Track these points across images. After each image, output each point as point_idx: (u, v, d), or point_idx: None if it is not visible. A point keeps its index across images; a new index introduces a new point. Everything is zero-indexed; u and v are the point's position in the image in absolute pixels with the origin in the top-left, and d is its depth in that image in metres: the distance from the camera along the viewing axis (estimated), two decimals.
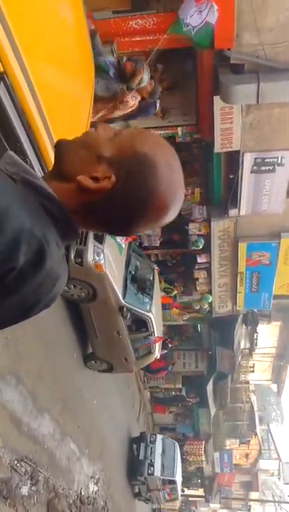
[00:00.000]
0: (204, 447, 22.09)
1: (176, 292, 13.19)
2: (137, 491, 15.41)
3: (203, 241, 11.46)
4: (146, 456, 14.73)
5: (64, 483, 7.24)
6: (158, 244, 12.01)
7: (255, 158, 9.34)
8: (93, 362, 9.59)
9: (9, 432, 5.36)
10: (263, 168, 9.47)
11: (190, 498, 29.92)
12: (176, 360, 17.25)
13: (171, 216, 1.08)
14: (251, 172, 9.53)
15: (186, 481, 24.29)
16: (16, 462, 5.41)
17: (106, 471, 10.31)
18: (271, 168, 9.47)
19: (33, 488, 5.87)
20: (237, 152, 9.21)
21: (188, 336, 19.13)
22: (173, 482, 15.92)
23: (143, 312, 9.00)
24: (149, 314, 9.19)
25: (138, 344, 9.57)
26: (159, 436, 16.21)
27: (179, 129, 9.63)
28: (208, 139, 9.26)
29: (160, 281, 12.80)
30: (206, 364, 18.94)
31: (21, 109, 2.90)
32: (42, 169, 3.15)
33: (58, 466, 7.00)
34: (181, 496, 23.50)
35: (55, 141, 1.15)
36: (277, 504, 33.02)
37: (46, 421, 6.53)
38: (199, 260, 12.15)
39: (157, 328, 9.71)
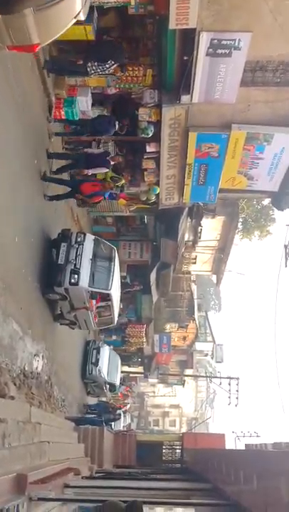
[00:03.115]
0: (145, 330, 23.60)
1: (123, 182, 12.97)
2: (59, 311, 11.55)
3: (153, 129, 11.06)
4: (68, 259, 10.47)
5: (7, 360, 7.56)
6: None
7: (212, 39, 8.77)
8: None
9: None
10: (219, 51, 8.95)
11: (131, 375, 32.77)
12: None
13: None
14: (206, 55, 9.01)
15: (128, 360, 26.33)
16: None
17: (50, 350, 10.83)
18: (227, 51, 8.97)
19: None
20: (193, 30, 8.59)
21: (135, 227, 19.39)
22: (107, 297, 12.06)
23: None
24: None
25: None
26: (90, 237, 11.62)
27: None
28: (164, 13, 8.51)
29: None
30: (150, 254, 19.48)
31: None
32: None
33: (0, 344, 7.24)
34: (122, 372, 25.40)
35: None
36: (208, 379, 37.21)
37: None
38: (148, 149, 11.82)
39: None
